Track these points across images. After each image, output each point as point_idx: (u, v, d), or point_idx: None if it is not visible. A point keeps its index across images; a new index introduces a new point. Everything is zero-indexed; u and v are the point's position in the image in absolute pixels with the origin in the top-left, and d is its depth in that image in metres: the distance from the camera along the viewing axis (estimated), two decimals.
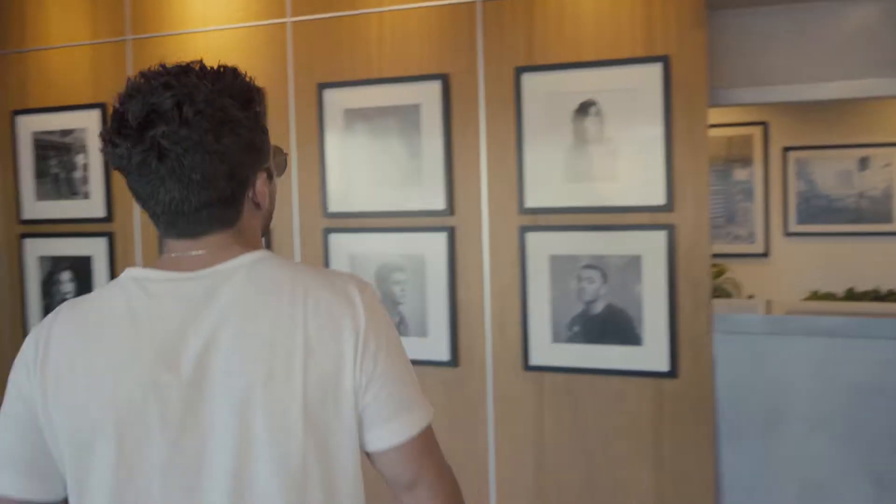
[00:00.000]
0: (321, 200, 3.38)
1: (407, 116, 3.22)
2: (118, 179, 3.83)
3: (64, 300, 3.91)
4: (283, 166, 1.18)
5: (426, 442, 1.02)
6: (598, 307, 2.98)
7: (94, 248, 3.89)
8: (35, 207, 4.02)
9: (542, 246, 3.04)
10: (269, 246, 3.49)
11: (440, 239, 3.19)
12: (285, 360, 0.92)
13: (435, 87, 3.15)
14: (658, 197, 2.86)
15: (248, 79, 1.03)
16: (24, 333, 4.10)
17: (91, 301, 0.97)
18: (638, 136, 2.88)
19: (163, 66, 0.99)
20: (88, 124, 3.85)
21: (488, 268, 3.14)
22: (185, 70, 0.98)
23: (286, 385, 0.92)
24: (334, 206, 3.37)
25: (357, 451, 0.98)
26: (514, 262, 3.09)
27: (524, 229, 3.05)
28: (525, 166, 3.04)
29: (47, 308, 4.03)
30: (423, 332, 3.25)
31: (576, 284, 3.00)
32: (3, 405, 0.96)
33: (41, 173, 3.99)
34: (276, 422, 0.91)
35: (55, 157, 3.95)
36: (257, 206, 1.05)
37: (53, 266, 4.00)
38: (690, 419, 2.89)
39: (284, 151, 1.16)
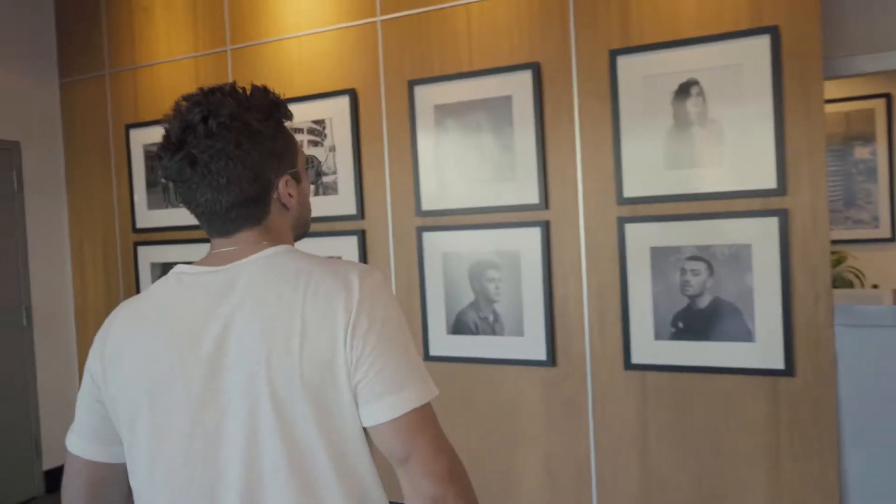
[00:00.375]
0: (414, 199, 3.36)
1: (498, 109, 3.15)
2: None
3: None
4: (315, 174, 1.30)
5: (420, 419, 1.02)
6: (705, 301, 2.79)
7: (202, 254, 4.04)
8: (147, 216, 4.22)
9: (642, 238, 2.89)
10: (364, 247, 3.51)
11: (534, 234, 3.10)
12: (285, 341, 1.01)
13: (526, 77, 3.07)
14: (768, 180, 2.66)
15: (272, 95, 1.14)
16: None
17: (144, 295, 1.14)
18: (745, 116, 2.68)
19: (200, 88, 1.11)
20: None
21: (585, 262, 3.02)
22: (214, 90, 1.10)
23: (285, 363, 1.00)
24: (427, 204, 3.34)
25: (360, 425, 1.04)
26: (613, 256, 2.96)
27: (623, 221, 2.91)
28: (622, 154, 2.90)
29: None
30: (518, 331, 3.17)
31: (679, 277, 2.83)
32: (81, 384, 1.16)
33: (151, 183, 4.19)
34: (277, 396, 1.00)
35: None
36: (284, 206, 1.15)
37: (164, 272, 4.19)
38: (810, 421, 2.66)
39: (316, 159, 1.28)
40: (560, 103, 3.03)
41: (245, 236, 1.12)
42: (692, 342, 2.82)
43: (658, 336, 2.88)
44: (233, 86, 1.11)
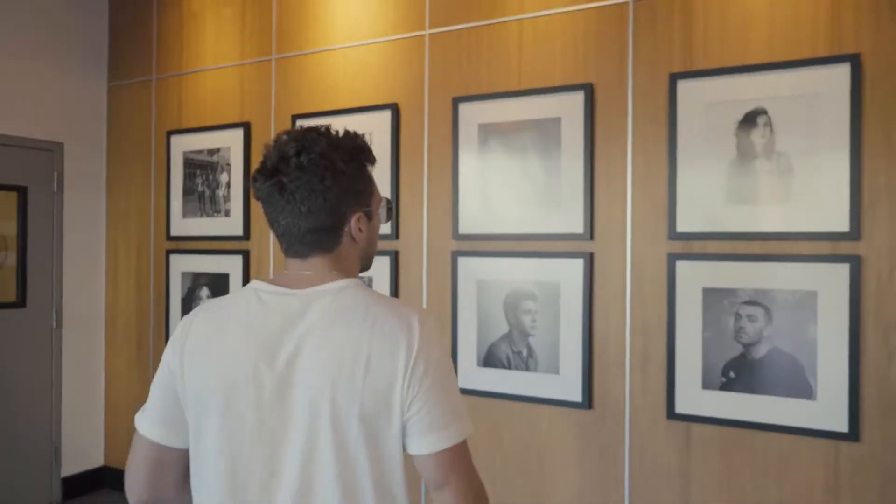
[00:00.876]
0: (452, 221, 3.20)
1: (546, 131, 2.97)
2: (254, 201, 3.85)
3: None
4: (386, 214, 1.37)
5: (458, 455, 1.17)
6: (761, 350, 2.54)
7: (231, 266, 3.93)
8: (181, 224, 4.15)
9: (694, 276, 2.66)
10: (396, 268, 3.35)
11: (577, 265, 2.89)
12: (350, 372, 1.14)
13: (577, 99, 2.89)
14: (840, 222, 2.41)
15: (359, 141, 1.26)
16: (166, 341, 4.21)
17: (223, 302, 1.28)
18: (817, 150, 2.45)
19: (301, 127, 1.26)
20: (233, 143, 3.93)
21: (630, 300, 2.79)
22: (311, 129, 1.24)
23: (348, 388, 1.13)
24: (465, 227, 3.16)
25: (401, 452, 1.17)
26: (661, 295, 2.73)
27: (674, 257, 2.69)
28: (678, 185, 2.69)
29: None
30: (553, 368, 2.94)
31: (734, 323, 2.58)
32: (157, 373, 1.28)
33: (188, 191, 4.12)
34: (337, 416, 1.14)
35: (201, 174, 4.07)
36: (353, 239, 1.27)
37: (194, 282, 4.09)
38: (876, 492, 2.37)
39: (390, 202, 1.39)
40: (613, 128, 2.83)
41: (318, 262, 1.25)
42: (744, 395, 2.56)
43: (706, 385, 2.63)
44: (328, 128, 1.25)
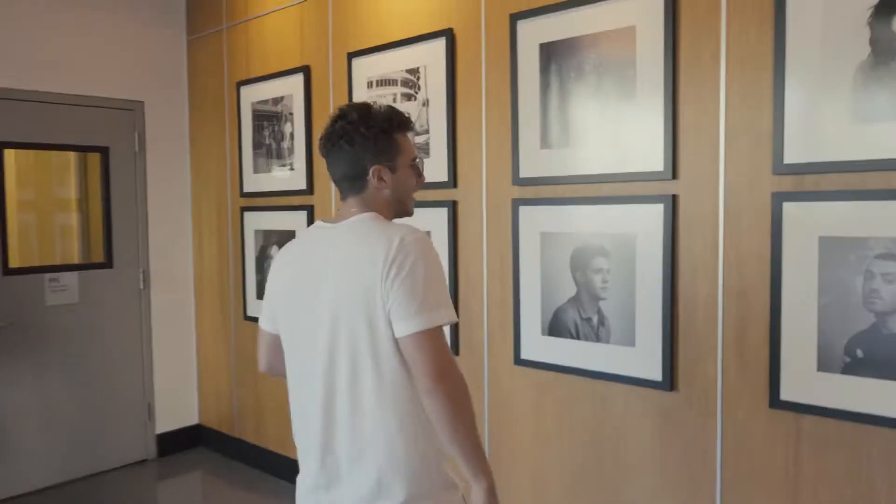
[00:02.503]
0: (511, 164, 2.70)
1: (618, 45, 2.38)
2: (317, 151, 3.55)
3: None
4: (413, 170, 1.66)
5: (425, 338, 1.43)
6: None
7: (296, 222, 3.68)
8: (253, 180, 3.95)
9: (808, 222, 2.00)
10: (455, 220, 2.91)
11: (656, 212, 2.31)
12: (354, 278, 1.49)
13: (655, 4, 2.27)
14: None
15: (390, 112, 1.62)
16: (245, 301, 4.07)
17: (299, 236, 1.70)
18: None
19: (353, 103, 1.64)
20: (294, 90, 3.64)
21: (723, 254, 2.18)
22: (355, 105, 1.62)
23: (352, 291, 1.49)
24: (527, 170, 2.66)
25: (391, 336, 1.47)
26: (764, 247, 2.09)
27: (781, 197, 2.04)
28: (786, 101, 2.02)
29: (259, 284, 3.94)
30: (629, 340, 2.40)
31: (863, 284, 1.91)
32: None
33: (257, 144, 3.90)
34: (347, 310, 1.49)
35: (268, 126, 3.83)
36: (378, 186, 1.60)
37: (265, 240, 3.90)
38: None
39: (417, 158, 1.67)
40: (702, 32, 2.20)
41: (352, 201, 1.61)
42: (876, 380, 1.90)
43: (824, 366, 1.99)
44: (368, 104, 1.61)
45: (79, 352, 4.00)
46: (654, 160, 2.30)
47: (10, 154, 3.76)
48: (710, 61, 2.18)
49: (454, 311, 1.50)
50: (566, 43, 2.51)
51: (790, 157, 2.02)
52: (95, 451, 4.09)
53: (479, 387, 2.88)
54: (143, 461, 4.32)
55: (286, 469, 3.88)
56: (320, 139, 1.63)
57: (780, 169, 2.03)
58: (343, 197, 1.63)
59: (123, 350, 4.19)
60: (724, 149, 2.16)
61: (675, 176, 2.27)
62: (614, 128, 2.39)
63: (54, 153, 3.96)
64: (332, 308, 1.51)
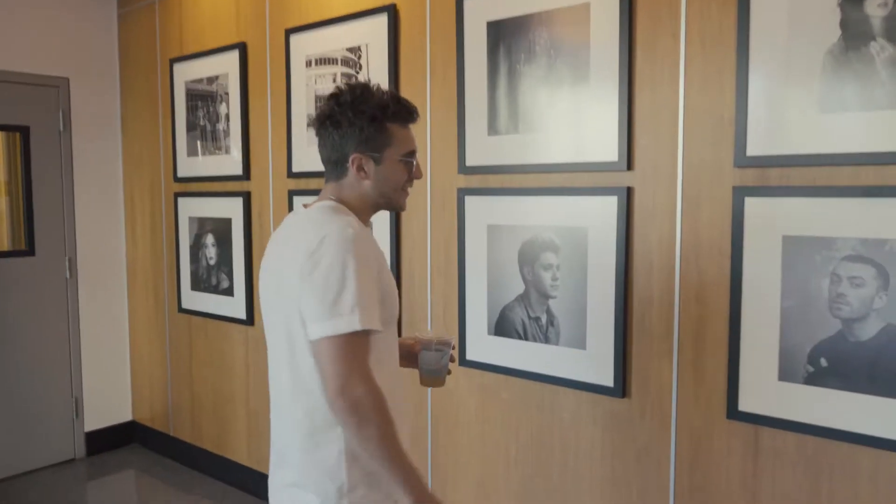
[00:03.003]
0: (458, 150, 2.50)
1: (572, 24, 2.19)
2: (254, 134, 3.31)
3: (209, 266, 3.54)
4: (406, 167, 1.54)
5: (331, 346, 1.34)
6: (869, 329, 1.72)
7: (233, 210, 3.43)
8: (187, 164, 3.68)
9: (771, 220, 1.85)
10: (397, 214, 2.70)
11: (610, 204, 2.14)
12: (285, 271, 1.44)
13: None
14: None
15: (384, 98, 1.50)
16: (179, 292, 3.82)
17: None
18: None
19: (350, 83, 1.53)
20: (230, 69, 3.38)
21: (680, 251, 2.02)
22: (350, 85, 1.51)
23: (283, 285, 1.45)
24: (473, 157, 2.46)
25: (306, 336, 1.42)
26: (724, 245, 1.94)
27: (743, 192, 1.89)
28: (751, 88, 1.86)
29: (194, 274, 3.69)
30: (579, 342, 2.23)
31: (829, 287, 1.77)
32: None
33: (191, 126, 3.63)
34: (281, 304, 1.46)
35: (202, 107, 3.56)
36: (359, 176, 1.51)
37: (200, 227, 3.64)
38: None
39: (410, 156, 1.54)
40: (661, 12, 2.02)
41: (328, 187, 1.56)
42: (841, 392, 1.76)
43: (785, 375, 1.84)
44: (368, 86, 1.52)
45: None
46: (608, 149, 2.12)
47: None
48: (669, 42, 2.01)
49: (376, 316, 1.38)
50: (516, 21, 2.31)
51: (753, 149, 1.86)
52: (19, 449, 3.81)
53: (422, 391, 2.70)
54: (71, 460, 4.05)
55: (223, 470, 3.66)
56: (315, 117, 1.54)
57: (743, 161, 1.88)
58: (326, 180, 1.56)
59: (48, 343, 3.90)
60: (682, 138, 2.00)
61: (630, 167, 2.10)
62: (566, 114, 2.21)
63: None
64: (275, 296, 1.48)
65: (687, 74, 1.98)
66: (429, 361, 1.67)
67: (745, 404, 1.91)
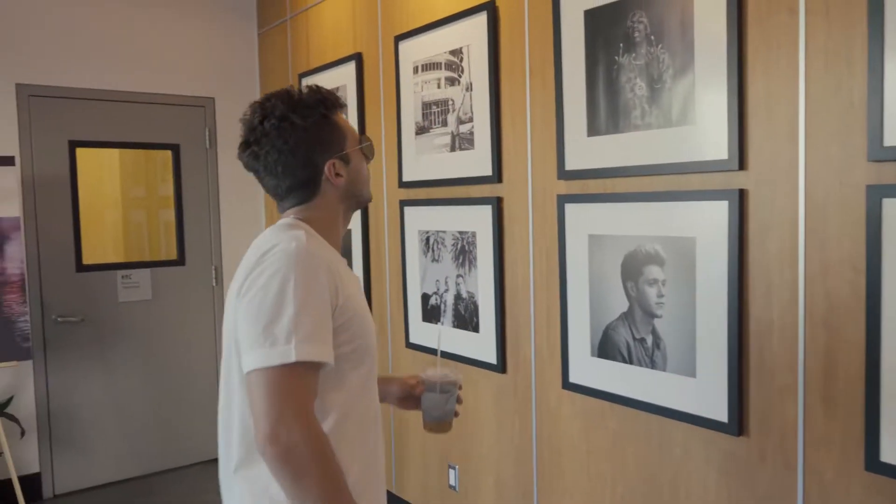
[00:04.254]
0: (557, 153, 2.30)
1: (673, 2, 1.92)
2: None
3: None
4: (366, 151, 1.39)
5: (261, 381, 1.11)
6: None
7: (352, 220, 3.45)
8: None
9: None
10: (500, 220, 2.56)
11: (720, 211, 1.84)
12: (231, 292, 1.25)
13: None
14: None
15: (320, 94, 1.31)
16: None
17: None
18: None
19: (263, 95, 1.32)
20: (348, 80, 3.41)
21: (804, 266, 1.69)
22: (270, 96, 1.30)
23: (228, 307, 1.25)
24: (572, 161, 2.25)
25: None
26: (856, 258, 1.59)
27: (878, 192, 1.53)
28: (886, 66, 1.51)
29: None
30: (688, 369, 1.95)
31: None
32: None
33: None
34: (229, 330, 1.24)
35: None
36: (333, 185, 1.31)
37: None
38: None
39: (367, 140, 1.39)
40: None
41: (287, 214, 1.33)
42: None
43: None
44: (288, 90, 1.30)
45: (151, 348, 4.01)
46: (717, 146, 1.83)
47: (84, 153, 3.80)
48: (785, 17, 1.69)
49: (323, 346, 1.14)
50: (612, 7, 2.08)
51: (892, 139, 1.50)
52: (168, 446, 4.10)
53: (527, 410, 2.52)
54: (216, 459, 4.29)
55: None
56: (240, 152, 1.31)
57: (879, 154, 1.52)
58: (281, 209, 1.35)
59: (196, 347, 4.17)
60: (804, 130, 1.67)
61: (742, 165, 1.79)
62: (668, 107, 1.94)
63: (127, 151, 3.97)
64: (227, 327, 1.27)
65: (808, 53, 1.65)
66: (434, 405, 1.47)
67: (889, 454, 1.54)
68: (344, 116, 1.36)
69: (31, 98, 3.61)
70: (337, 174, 1.31)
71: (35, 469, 3.66)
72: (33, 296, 3.60)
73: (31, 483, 3.62)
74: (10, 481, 3.35)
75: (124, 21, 3.84)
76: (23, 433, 3.50)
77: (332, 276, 1.20)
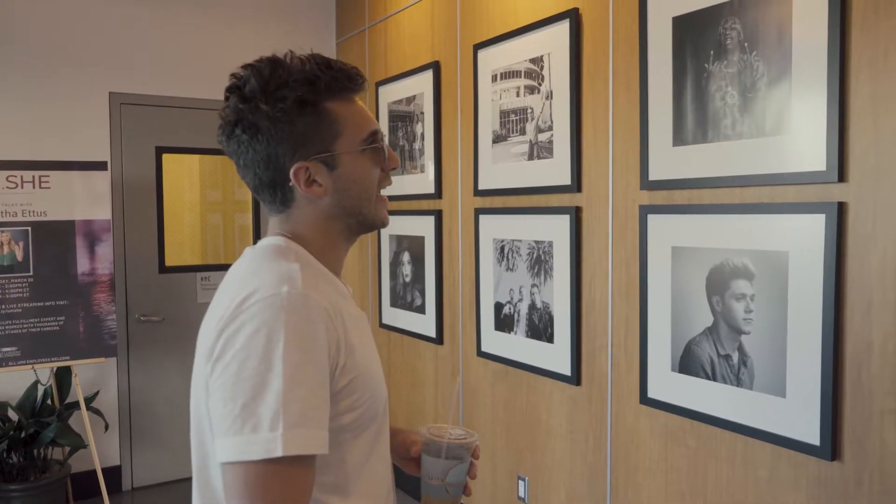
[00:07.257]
0: (640, 162, 2.26)
1: (768, 6, 1.86)
2: (445, 153, 3.32)
3: (405, 283, 3.61)
4: (375, 153, 1.00)
5: (239, 479, 0.83)
6: None
7: (425, 228, 3.47)
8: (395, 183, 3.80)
9: None
10: (578, 230, 2.52)
11: (816, 225, 1.76)
12: (199, 343, 0.96)
13: None
14: None
15: (309, 71, 0.97)
16: (381, 310, 3.96)
17: None
18: None
19: (241, 69, 1.03)
20: (425, 88, 3.43)
21: None
22: (251, 66, 1.00)
23: (197, 367, 0.96)
24: (657, 171, 2.20)
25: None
26: None
27: None
28: None
29: (392, 290, 3.79)
30: (777, 388, 1.87)
31: None
32: None
33: (392, 146, 3.75)
34: (194, 392, 0.96)
35: (402, 127, 3.66)
36: (309, 196, 0.99)
37: (398, 245, 3.74)
38: None
39: (378, 134, 1.00)
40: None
41: (272, 221, 1.05)
42: None
43: None
44: (274, 57, 1.00)
45: None
46: (814, 157, 1.76)
47: (169, 158, 3.94)
48: (895, 17, 1.61)
49: (318, 432, 0.85)
50: (704, 14, 2.02)
51: None
52: None
53: (601, 423, 2.46)
54: None
55: (400, 475, 3.69)
56: (218, 127, 1.02)
57: None
58: (269, 213, 1.05)
59: None
60: None
61: (842, 177, 1.71)
62: (762, 117, 1.87)
63: (206, 157, 4.10)
64: (193, 379, 0.99)
65: None
66: (434, 472, 1.07)
67: None
68: (354, 103, 1.00)
69: (122, 106, 3.77)
70: (311, 182, 0.97)
71: (116, 462, 3.80)
72: (119, 295, 3.75)
73: (112, 475, 3.76)
74: (94, 472, 3.49)
75: (208, 34, 3.98)
76: (107, 427, 3.64)
77: (333, 325, 0.90)
